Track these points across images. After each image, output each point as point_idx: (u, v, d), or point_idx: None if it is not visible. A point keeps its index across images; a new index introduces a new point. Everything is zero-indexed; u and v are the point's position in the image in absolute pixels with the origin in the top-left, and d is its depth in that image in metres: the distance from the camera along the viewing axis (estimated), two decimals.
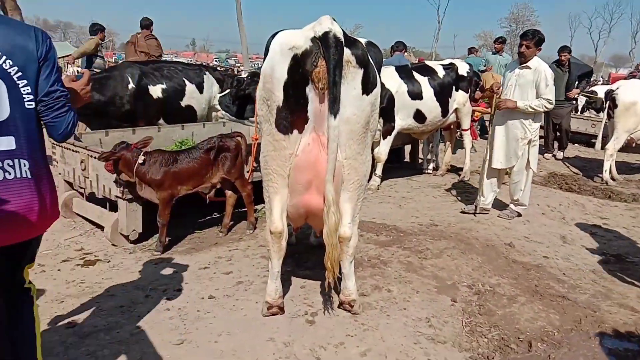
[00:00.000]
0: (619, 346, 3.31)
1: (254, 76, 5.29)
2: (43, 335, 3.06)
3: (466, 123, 7.71)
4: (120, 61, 14.26)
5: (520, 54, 5.46)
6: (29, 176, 1.99)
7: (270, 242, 3.33)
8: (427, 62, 8.13)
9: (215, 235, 4.99)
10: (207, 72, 7.29)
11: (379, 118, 5.15)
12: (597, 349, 3.25)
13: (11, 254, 2.04)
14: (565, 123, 9.78)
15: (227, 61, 44.50)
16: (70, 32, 70.84)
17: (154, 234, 4.64)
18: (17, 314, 2.18)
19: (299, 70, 2.93)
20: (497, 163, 5.69)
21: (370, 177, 6.20)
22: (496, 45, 11.35)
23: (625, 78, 12.93)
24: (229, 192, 4.96)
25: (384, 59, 5.37)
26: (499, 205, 6.24)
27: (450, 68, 7.37)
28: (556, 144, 10.12)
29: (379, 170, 6.97)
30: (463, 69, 7.44)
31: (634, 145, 8.21)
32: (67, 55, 21.39)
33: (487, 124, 8.27)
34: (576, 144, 11.66)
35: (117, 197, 4.47)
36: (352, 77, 3.00)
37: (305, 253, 4.50)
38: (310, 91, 2.97)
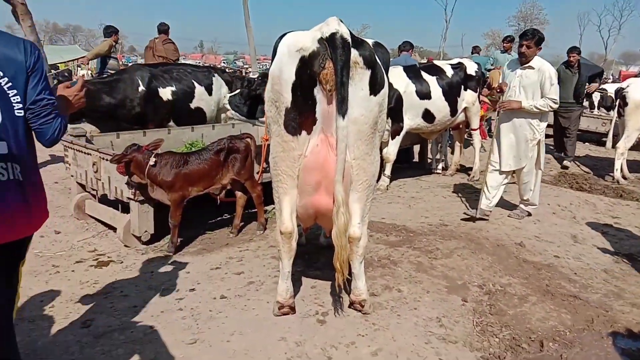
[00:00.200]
0: (632, 346, 3.29)
1: (265, 77, 5.32)
2: (58, 335, 3.13)
3: (475, 122, 7.69)
4: (130, 63, 14.38)
5: (521, 54, 5.37)
6: (20, 178, 2.10)
7: (281, 243, 3.35)
8: (436, 62, 8.12)
9: (226, 236, 5.02)
10: (216, 74, 7.33)
11: (387, 118, 5.15)
12: (609, 349, 3.24)
13: (5, 252, 2.13)
14: (574, 127, 9.17)
15: (235, 63, 44.66)
16: (79, 35, 71.46)
17: (165, 235, 4.68)
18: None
19: (306, 72, 2.95)
20: (506, 166, 5.58)
21: (379, 177, 6.21)
22: (505, 44, 11.28)
23: (636, 76, 12.79)
24: (239, 193, 4.99)
25: (390, 59, 5.37)
26: (509, 205, 6.23)
27: (458, 67, 7.36)
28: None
29: (387, 170, 6.97)
30: (471, 68, 7.43)
31: None
32: (78, 58, 21.59)
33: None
34: (586, 143, 11.59)
35: (129, 198, 4.52)
36: (359, 78, 3.01)
37: (316, 253, 4.52)
38: (318, 92, 2.99)
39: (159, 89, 6.48)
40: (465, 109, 7.43)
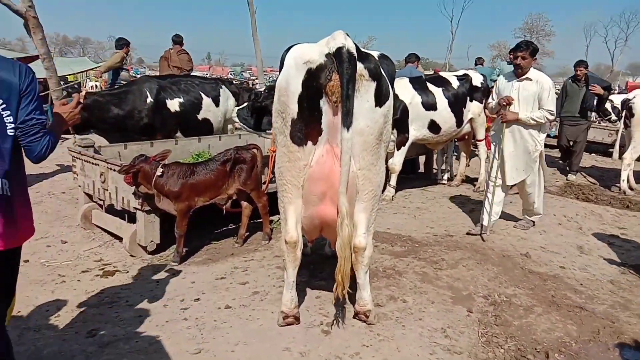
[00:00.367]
0: (639, 358, 3.27)
1: (272, 90, 5.39)
2: (64, 344, 3.15)
3: (481, 133, 7.70)
4: (138, 75, 14.54)
5: (517, 65, 5.30)
6: (9, 194, 2.23)
7: (286, 252, 3.37)
8: (442, 73, 8.16)
9: (231, 246, 5.04)
10: (223, 86, 7.41)
11: (393, 129, 5.17)
12: None
13: None
14: (581, 142, 8.95)
15: (242, 74, 44.91)
16: (88, 48, 72.34)
17: (171, 245, 4.71)
18: None
19: (313, 84, 2.99)
20: (510, 180, 5.51)
21: (385, 187, 6.22)
22: (511, 56, 11.31)
23: None
24: (244, 203, 5.02)
25: (396, 71, 5.40)
26: (513, 217, 6.21)
27: (464, 79, 7.40)
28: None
29: (393, 181, 6.99)
30: (477, 79, 7.46)
31: None
32: (87, 70, 21.81)
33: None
34: (593, 154, 11.54)
35: (135, 208, 4.56)
36: (365, 90, 3.05)
37: (320, 263, 4.52)
38: (324, 104, 3.03)
39: (166, 100, 6.55)
40: (470, 120, 7.45)
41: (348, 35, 3.03)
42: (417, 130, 6.93)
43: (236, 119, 5.78)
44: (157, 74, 11.11)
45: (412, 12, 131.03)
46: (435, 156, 8.66)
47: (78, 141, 5.47)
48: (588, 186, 8.33)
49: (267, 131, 5.46)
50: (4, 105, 2.20)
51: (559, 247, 5.34)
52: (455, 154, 8.67)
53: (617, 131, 8.40)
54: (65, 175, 7.42)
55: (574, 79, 8.87)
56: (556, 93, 13.53)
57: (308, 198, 3.24)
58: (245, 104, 5.90)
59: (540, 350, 3.28)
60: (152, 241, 4.60)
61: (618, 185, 8.00)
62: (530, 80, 5.30)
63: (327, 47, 2.98)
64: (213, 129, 7.09)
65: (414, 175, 8.72)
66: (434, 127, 7.02)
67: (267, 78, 27.98)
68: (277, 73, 3.33)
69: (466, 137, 7.93)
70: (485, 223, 5.55)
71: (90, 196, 5.34)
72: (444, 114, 7.04)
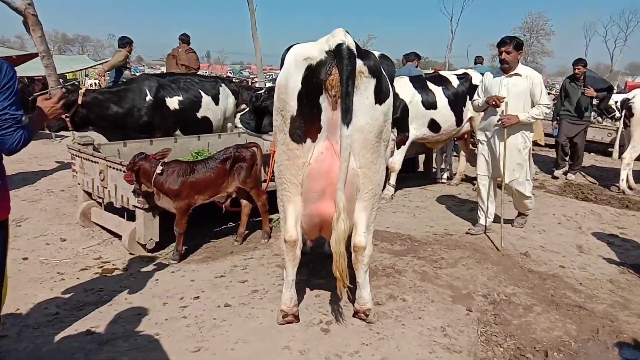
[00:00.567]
0: (638, 357, 3.27)
1: (271, 91, 5.39)
2: (63, 342, 3.15)
3: None
4: (137, 73, 14.52)
5: (503, 61, 5.19)
6: None
7: (285, 251, 3.37)
8: (441, 72, 8.15)
9: (230, 244, 5.04)
10: (222, 84, 7.40)
11: (393, 128, 5.16)
12: None
13: None
14: (580, 142, 8.86)
15: (241, 73, 44.86)
16: (87, 46, 72.25)
17: (170, 243, 4.70)
18: None
19: (313, 80, 2.98)
20: (506, 178, 5.36)
21: (384, 186, 6.21)
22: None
23: None
24: (244, 202, 5.01)
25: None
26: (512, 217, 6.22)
27: (464, 78, 7.40)
28: (566, 165, 9.15)
29: (392, 179, 6.99)
30: (477, 78, 7.44)
31: None
32: (86, 68, 21.75)
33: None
34: (592, 153, 11.55)
35: (135, 206, 4.55)
36: (364, 87, 3.04)
37: (320, 262, 4.52)
38: (323, 101, 3.01)
39: (166, 98, 6.54)
40: (470, 119, 7.44)
41: (348, 32, 3.02)
42: (417, 129, 6.93)
43: (239, 125, 5.82)
44: (156, 72, 11.18)
45: (411, 11, 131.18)
46: (434, 155, 8.67)
47: (77, 139, 5.46)
48: (587, 186, 8.33)
49: (270, 133, 5.46)
50: None
51: (558, 246, 5.34)
52: (454, 153, 8.67)
53: (617, 130, 8.39)
54: (65, 173, 7.41)
55: (572, 78, 8.78)
56: (555, 92, 13.51)
57: (307, 196, 3.23)
58: (247, 109, 5.93)
59: (539, 349, 3.28)
60: (151, 239, 4.59)
61: (617, 184, 7.99)
62: (520, 75, 5.22)
63: (327, 45, 2.98)
64: (212, 127, 7.08)
65: (414, 174, 8.72)
66: (433, 126, 7.03)
67: (267, 76, 27.94)
68: (277, 72, 3.33)
69: (465, 136, 7.93)
70: (482, 222, 5.59)
71: (89, 194, 5.33)
72: (443, 113, 7.04)
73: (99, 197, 5.15)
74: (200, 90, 6.93)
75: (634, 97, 7.88)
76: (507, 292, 4.12)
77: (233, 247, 4.97)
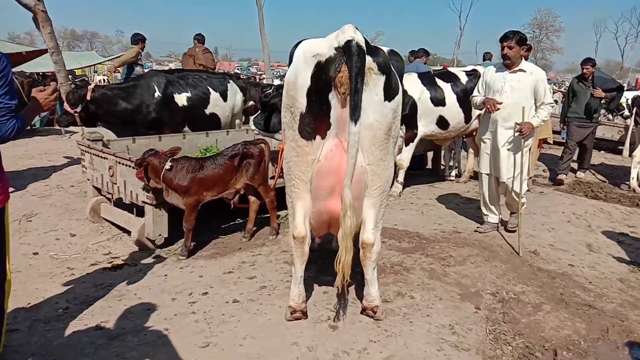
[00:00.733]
0: None
1: (280, 89, 5.39)
2: (73, 336, 3.17)
3: None
4: (146, 70, 14.56)
5: (505, 56, 5.13)
6: None
7: (293, 247, 3.37)
8: (450, 69, 8.11)
9: (238, 240, 5.05)
10: (231, 81, 7.40)
11: (401, 125, 5.12)
12: (625, 359, 3.19)
13: None
14: (589, 143, 8.72)
15: (249, 69, 44.97)
16: (96, 42, 72.64)
17: (179, 238, 4.72)
18: None
19: (322, 77, 2.97)
20: (503, 177, 5.31)
21: (392, 184, 6.18)
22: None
23: None
24: (252, 198, 5.02)
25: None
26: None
27: (473, 74, 7.35)
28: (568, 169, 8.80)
29: (400, 177, 6.97)
30: None
31: None
32: (95, 64, 21.83)
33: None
34: (602, 151, 11.46)
35: (144, 202, 4.58)
36: (374, 84, 3.03)
37: (328, 259, 4.49)
38: (332, 97, 3.00)
39: (174, 94, 6.55)
40: (479, 116, 7.39)
41: (357, 29, 3.01)
42: (425, 126, 6.90)
43: (253, 127, 5.85)
44: (164, 68, 11.31)
45: (420, 8, 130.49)
46: (443, 152, 8.63)
47: (87, 135, 5.49)
48: (597, 184, 8.28)
49: (280, 131, 5.48)
50: None
51: (567, 244, 5.31)
52: (463, 150, 8.62)
53: (627, 128, 8.31)
54: (74, 168, 7.45)
55: (581, 78, 8.50)
56: (565, 90, 13.35)
57: (316, 193, 3.23)
58: (259, 112, 5.98)
59: (548, 347, 3.26)
60: (160, 235, 4.61)
61: (628, 183, 7.94)
62: (524, 72, 5.14)
63: (336, 41, 2.96)
64: (221, 123, 7.09)
65: (422, 171, 8.69)
66: (442, 122, 6.99)
67: (274, 73, 27.93)
68: (285, 68, 3.32)
69: (474, 133, 7.87)
70: (490, 220, 5.56)
71: (98, 190, 5.36)
72: (452, 110, 7.00)
73: (109, 193, 5.18)
74: (208, 87, 6.94)
75: None
76: (516, 291, 4.10)
77: (241, 243, 4.98)
